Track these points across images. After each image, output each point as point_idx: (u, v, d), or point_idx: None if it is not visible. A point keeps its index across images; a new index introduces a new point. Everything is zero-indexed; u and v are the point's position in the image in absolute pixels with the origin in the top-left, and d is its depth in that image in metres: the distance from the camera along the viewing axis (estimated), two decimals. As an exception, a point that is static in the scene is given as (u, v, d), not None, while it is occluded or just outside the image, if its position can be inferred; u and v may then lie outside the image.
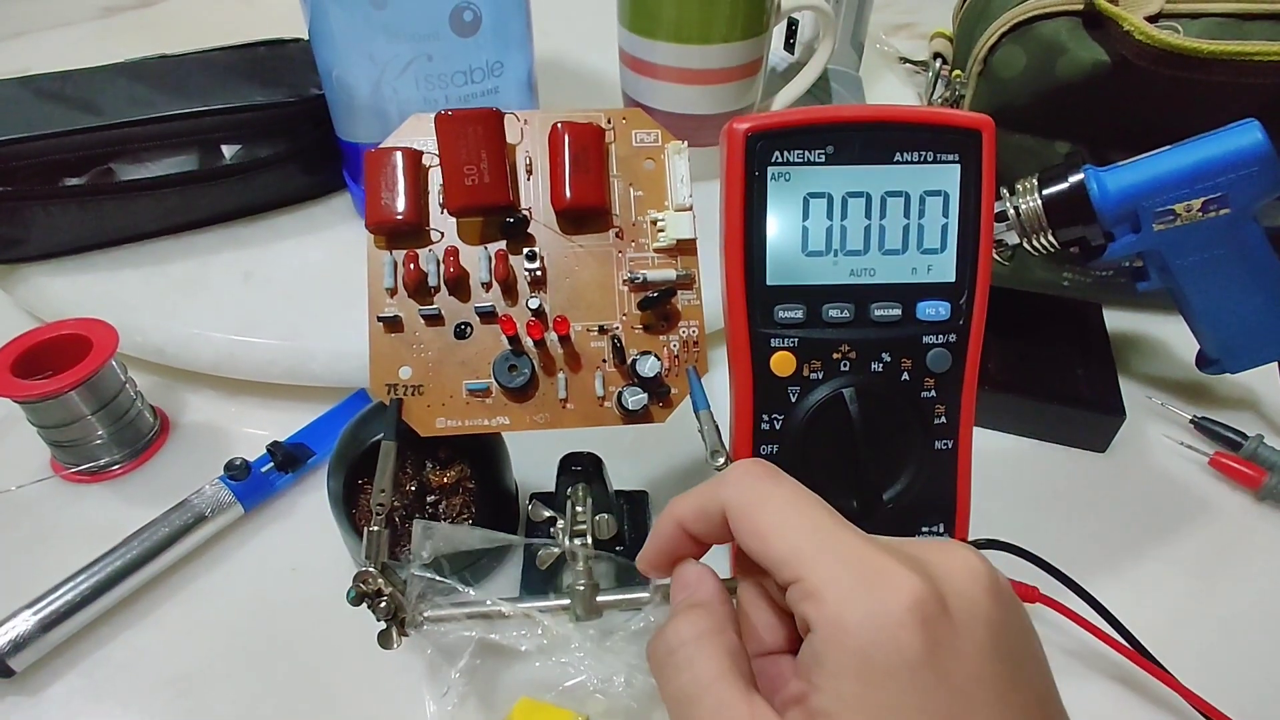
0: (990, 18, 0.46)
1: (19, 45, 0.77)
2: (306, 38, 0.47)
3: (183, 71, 0.53)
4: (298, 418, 0.43)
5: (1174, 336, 0.49)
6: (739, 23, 0.50)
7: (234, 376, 0.45)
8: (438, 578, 0.28)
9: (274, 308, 0.46)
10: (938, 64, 0.61)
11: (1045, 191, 0.40)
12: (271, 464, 0.40)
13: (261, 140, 0.50)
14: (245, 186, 0.51)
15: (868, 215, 0.31)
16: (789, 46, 0.67)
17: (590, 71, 0.68)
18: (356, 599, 0.29)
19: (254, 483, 0.39)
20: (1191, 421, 0.44)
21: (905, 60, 0.76)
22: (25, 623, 0.33)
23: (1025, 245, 0.41)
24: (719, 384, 0.33)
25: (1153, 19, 0.41)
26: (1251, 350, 0.41)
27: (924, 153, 0.31)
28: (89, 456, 0.41)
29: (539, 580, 0.36)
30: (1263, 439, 0.42)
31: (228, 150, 0.50)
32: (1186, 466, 0.43)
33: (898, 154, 0.31)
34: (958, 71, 0.49)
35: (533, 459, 0.39)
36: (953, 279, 0.31)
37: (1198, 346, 0.44)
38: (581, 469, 0.34)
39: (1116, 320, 0.50)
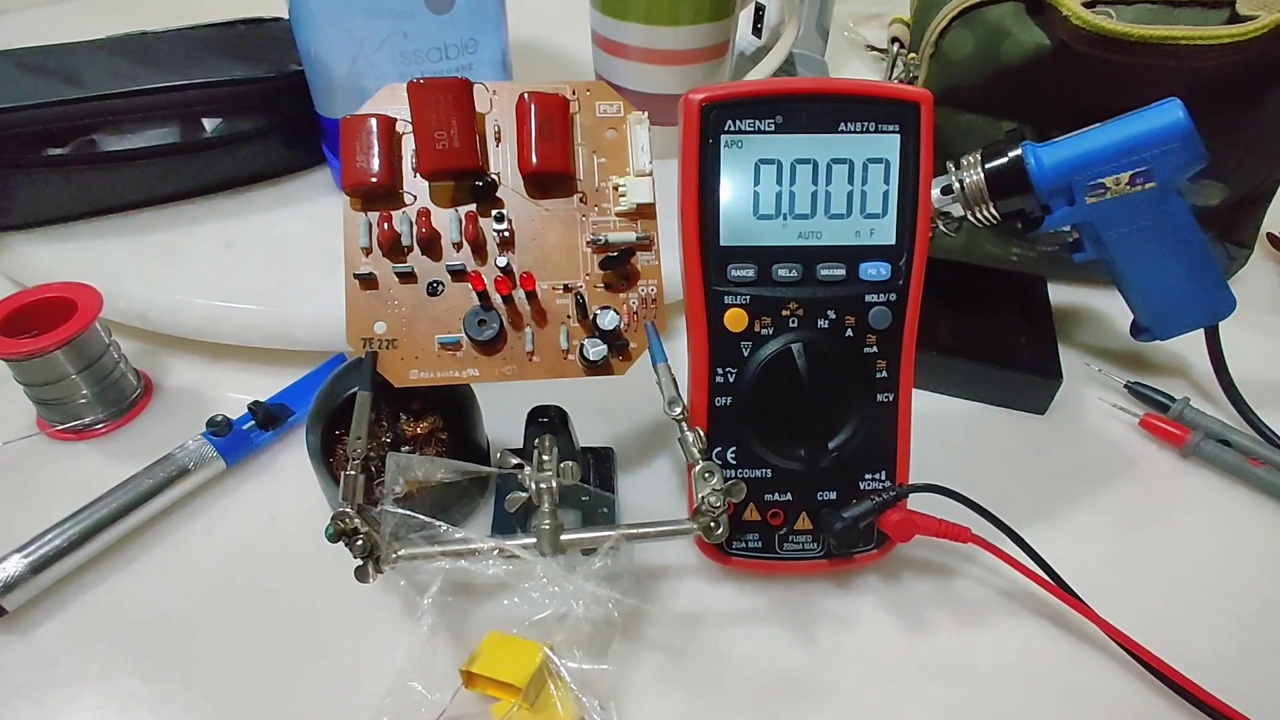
0: (941, 2, 0.48)
1: (0, 23, 0.77)
2: (286, 17, 0.49)
3: (164, 47, 0.54)
4: (278, 381, 0.45)
5: (1111, 309, 0.52)
6: (707, 6, 0.52)
7: (216, 341, 0.46)
8: (411, 514, 0.30)
9: (255, 275, 0.47)
10: (895, 48, 0.63)
11: (987, 165, 0.42)
12: (253, 422, 0.41)
13: (242, 114, 0.52)
14: (226, 159, 0.52)
15: (814, 181, 0.33)
16: (756, 30, 0.69)
17: (563, 52, 0.70)
18: (335, 536, 0.31)
19: (235, 439, 0.41)
20: (1125, 386, 0.47)
21: (871, 48, 0.79)
22: (16, 565, 0.35)
23: (970, 217, 0.43)
24: (680, 349, 0.36)
25: (1089, 4, 0.43)
26: (1178, 317, 0.44)
27: (866, 123, 0.33)
28: (74, 415, 0.42)
29: (508, 527, 0.38)
30: (1189, 401, 0.45)
31: (209, 124, 0.51)
32: (1119, 427, 0.45)
33: (842, 124, 0.33)
34: (912, 54, 0.51)
35: (504, 417, 0.41)
36: (893, 241, 0.34)
37: (1132, 317, 0.47)
38: (548, 420, 0.36)
39: (1060, 293, 0.52)
